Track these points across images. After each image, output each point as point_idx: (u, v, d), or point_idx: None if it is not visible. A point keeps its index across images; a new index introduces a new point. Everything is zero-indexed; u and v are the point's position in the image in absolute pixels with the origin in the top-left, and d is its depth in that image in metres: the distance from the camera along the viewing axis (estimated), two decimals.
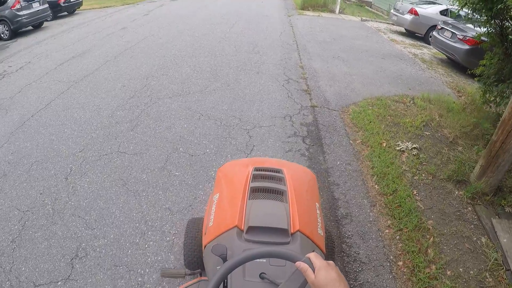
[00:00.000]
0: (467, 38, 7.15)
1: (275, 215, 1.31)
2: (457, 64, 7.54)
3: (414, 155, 3.72)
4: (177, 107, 4.33)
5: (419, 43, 9.64)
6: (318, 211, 1.52)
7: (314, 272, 0.76)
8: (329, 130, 4.00)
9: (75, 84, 5.09)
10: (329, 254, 1.74)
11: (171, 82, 5.09)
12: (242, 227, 1.28)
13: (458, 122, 4.43)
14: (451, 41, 7.53)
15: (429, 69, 7.07)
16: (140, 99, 4.55)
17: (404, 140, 3.95)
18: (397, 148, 3.79)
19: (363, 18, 11.94)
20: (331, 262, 0.79)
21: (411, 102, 5.04)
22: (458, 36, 7.33)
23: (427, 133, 4.20)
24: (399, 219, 2.81)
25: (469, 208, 3.07)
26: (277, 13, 12.03)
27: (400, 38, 9.85)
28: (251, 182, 1.51)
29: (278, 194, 1.46)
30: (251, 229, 1.25)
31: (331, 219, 2.80)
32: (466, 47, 7.11)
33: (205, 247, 1.39)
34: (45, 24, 10.26)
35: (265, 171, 1.61)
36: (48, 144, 3.56)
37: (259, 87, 5.05)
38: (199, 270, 1.69)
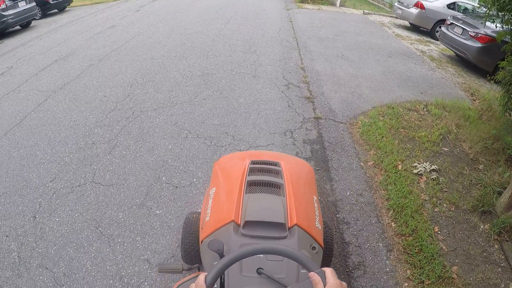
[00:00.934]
0: (480, 35, 6.51)
1: (272, 209, 1.26)
2: (467, 62, 6.92)
3: (433, 179, 3.17)
4: (161, 122, 3.74)
5: (425, 38, 8.96)
6: (315, 204, 1.48)
7: (324, 287, 0.73)
8: (336, 150, 3.42)
9: (54, 94, 4.48)
10: (328, 248, 1.68)
11: (157, 90, 4.47)
12: (239, 222, 1.24)
13: (477, 134, 3.88)
14: (462, 38, 6.87)
15: (439, 68, 6.46)
16: (122, 112, 3.95)
17: (421, 160, 3.40)
18: (415, 171, 3.23)
19: (366, 11, 11.18)
20: (344, 283, 0.76)
21: (425, 109, 4.47)
22: (469, 33, 6.67)
23: (445, 149, 3.65)
24: (420, 268, 2.29)
25: (496, 246, 2.54)
26: (275, 6, 11.25)
27: (405, 33, 9.17)
28: (248, 175, 1.46)
29: (275, 188, 1.41)
30: (248, 224, 1.21)
31: (340, 270, 2.28)
32: (479, 45, 6.47)
33: (202, 242, 1.34)
34: (34, 23, 9.59)
35: (262, 164, 1.56)
36: (18, 171, 3.00)
37: (256, 95, 4.44)
38: (197, 265, 1.59)
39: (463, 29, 6.93)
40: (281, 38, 7.15)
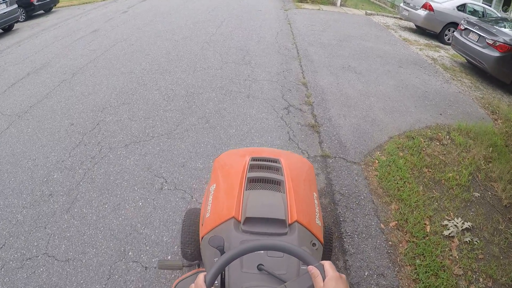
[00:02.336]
0: (498, 43, 5.67)
1: (272, 205, 1.23)
2: (481, 70, 6.10)
3: (467, 242, 2.41)
4: (132, 166, 2.88)
5: (433, 42, 8.10)
6: (315, 201, 1.42)
7: (323, 281, 0.70)
8: (350, 205, 2.58)
9: (18, 119, 3.61)
10: (327, 244, 1.63)
11: (131, 117, 3.60)
12: (239, 218, 1.20)
13: (508, 169, 3.15)
14: (478, 45, 6.02)
15: (453, 79, 5.63)
16: (87, 149, 3.10)
17: (451, 214, 2.63)
18: (445, 233, 2.47)
19: (368, 11, 10.23)
20: (343, 275, 0.73)
21: (448, 137, 3.66)
22: (487, 40, 5.82)
23: (477, 195, 2.87)
24: None
25: None
26: (272, 6, 10.24)
27: (412, 36, 8.27)
28: (248, 172, 1.41)
29: (275, 184, 1.36)
30: (248, 220, 1.18)
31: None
32: (497, 54, 5.62)
33: (202, 238, 1.28)
34: (17, 25, 8.72)
35: (262, 161, 1.50)
36: None
37: (250, 123, 3.57)
38: (197, 261, 1.54)
39: (479, 35, 6.07)
40: (279, 45, 6.25)
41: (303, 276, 0.75)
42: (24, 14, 9.70)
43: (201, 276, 0.76)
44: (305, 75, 4.87)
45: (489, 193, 2.99)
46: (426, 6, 8.15)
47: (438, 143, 3.60)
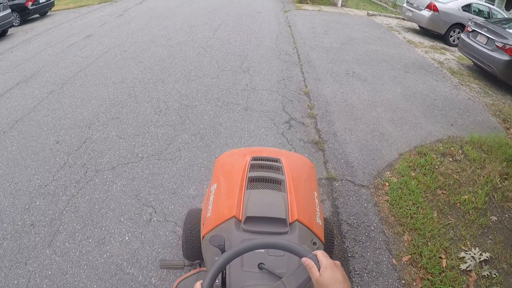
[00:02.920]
0: (508, 46, 5.35)
1: (273, 204, 1.21)
2: (488, 74, 5.80)
3: (485, 277, 2.13)
4: (119, 192, 2.58)
5: (438, 44, 7.77)
6: (316, 200, 1.41)
7: (319, 270, 0.70)
8: (359, 237, 2.29)
9: (3, 135, 3.34)
10: (328, 243, 1.62)
11: (120, 134, 3.30)
12: (240, 217, 1.19)
13: None
14: (486, 48, 5.69)
15: (462, 85, 5.32)
16: (72, 172, 2.81)
17: (467, 243, 2.35)
18: (462, 267, 2.18)
19: (370, 12, 9.88)
20: (337, 262, 0.72)
21: (461, 152, 3.37)
22: (496, 43, 5.49)
23: (494, 219, 2.60)
24: None
25: None
26: (271, 8, 9.91)
27: (416, 38, 7.94)
28: (249, 171, 1.40)
29: (276, 184, 1.35)
30: (249, 219, 1.17)
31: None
32: (507, 58, 5.30)
33: (203, 237, 1.27)
34: (12, 30, 8.54)
35: (263, 160, 1.49)
36: None
37: (248, 140, 3.26)
38: (198, 261, 1.49)
39: (488, 38, 5.74)
40: (279, 49, 5.94)
41: (299, 269, 0.74)
42: (18, 19, 9.50)
43: (197, 285, 0.76)
44: (307, 83, 4.56)
45: (507, 215, 2.70)
46: (430, 7, 7.82)
47: (451, 159, 3.31)
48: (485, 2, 11.90)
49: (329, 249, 1.65)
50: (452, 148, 3.48)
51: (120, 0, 11.25)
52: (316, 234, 1.24)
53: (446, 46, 7.72)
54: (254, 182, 1.36)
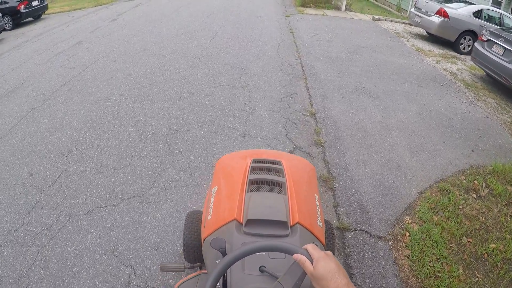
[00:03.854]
0: None
1: (274, 207, 1.18)
2: (502, 85, 5.29)
3: None
4: (94, 246, 2.09)
5: (448, 52, 7.23)
6: (317, 203, 1.37)
7: (312, 264, 0.68)
8: None
9: None
10: (329, 246, 1.61)
11: (99, 168, 2.79)
12: (241, 220, 1.16)
13: None
14: (504, 60, 5.15)
15: (477, 99, 4.80)
16: (44, 215, 2.34)
17: None
18: None
19: (375, 17, 9.32)
20: (329, 252, 0.71)
21: (484, 185, 2.88)
22: None
23: None
24: None
25: None
26: (272, 12, 9.35)
27: (425, 45, 7.39)
28: (250, 174, 1.36)
29: (277, 186, 1.31)
30: (250, 222, 1.13)
31: None
32: None
33: (204, 240, 1.25)
34: (2, 35, 8.09)
35: (264, 163, 1.45)
36: None
37: None
38: (199, 263, 1.52)
39: (505, 48, 5.21)
40: (281, 60, 5.42)
41: (292, 266, 0.72)
42: (11, 23, 9.02)
43: None
44: (313, 101, 4.04)
45: None
46: (440, 13, 7.27)
47: (475, 196, 2.82)
48: (491, 5, 11.40)
49: (330, 251, 1.38)
50: (475, 182, 2.99)
51: (116, 3, 10.71)
52: (317, 236, 1.22)
53: (457, 55, 7.19)
54: (255, 184, 1.32)
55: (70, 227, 2.26)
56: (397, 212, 2.54)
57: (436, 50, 7.16)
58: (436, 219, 2.53)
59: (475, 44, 6.03)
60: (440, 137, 3.62)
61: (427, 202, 2.68)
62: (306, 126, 3.46)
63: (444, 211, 2.62)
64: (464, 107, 4.51)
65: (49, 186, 2.64)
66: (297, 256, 0.70)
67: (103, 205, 2.43)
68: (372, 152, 3.16)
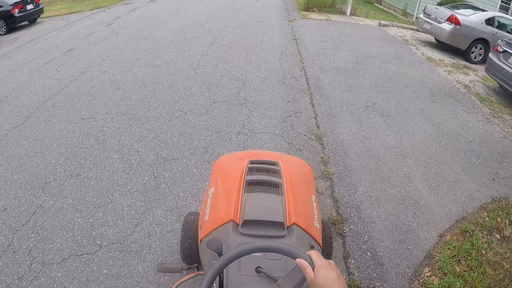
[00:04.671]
0: None
1: (270, 208, 1.17)
2: None
3: None
4: None
5: (459, 61, 6.80)
6: (314, 204, 1.37)
7: (313, 270, 0.67)
8: None
9: None
10: (326, 247, 1.58)
11: (76, 204, 2.39)
12: (238, 221, 1.15)
13: None
14: None
15: (494, 116, 4.40)
16: (16, 260, 2.00)
17: None
18: None
19: (382, 22, 8.88)
20: (331, 261, 0.70)
21: (508, 223, 2.50)
22: None
23: None
24: None
25: None
26: (275, 17, 8.92)
27: (435, 54, 6.96)
28: (247, 175, 1.35)
29: (273, 187, 1.31)
30: (247, 223, 1.12)
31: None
32: None
33: (201, 241, 1.24)
34: None
35: (261, 164, 1.45)
36: None
37: None
38: (196, 264, 1.46)
39: None
40: (284, 71, 4.99)
41: (293, 270, 0.71)
42: (5, 27, 8.68)
43: None
44: (319, 121, 3.62)
45: None
46: (451, 20, 6.84)
47: (498, 236, 2.44)
48: (497, 11, 10.95)
49: (327, 253, 1.62)
50: (499, 219, 2.61)
51: (114, 6, 10.33)
52: (314, 237, 1.20)
53: (468, 64, 6.76)
54: (251, 185, 1.31)
55: (43, 279, 1.90)
56: (415, 262, 2.14)
57: (447, 59, 6.74)
58: (458, 269, 2.15)
59: (490, 55, 5.61)
60: (459, 164, 3.21)
61: (448, 249, 2.29)
62: (312, 153, 3.05)
63: (467, 258, 2.24)
64: (481, 125, 4.10)
65: (23, 225, 2.27)
66: (299, 261, 0.70)
67: (79, 253, 2.05)
68: (387, 185, 2.76)
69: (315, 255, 0.70)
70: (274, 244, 0.75)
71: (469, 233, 2.47)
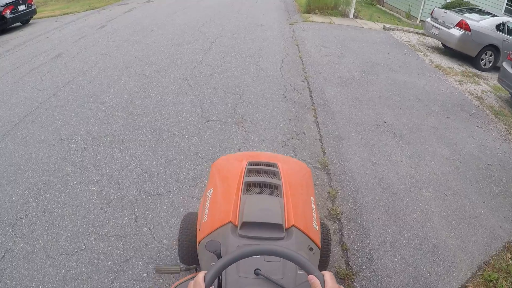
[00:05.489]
0: None
1: (269, 210, 1.16)
2: None
3: None
4: None
5: (468, 69, 6.40)
6: (313, 206, 1.36)
7: None
8: None
9: None
10: (325, 249, 1.53)
11: (48, 250, 2.00)
12: (237, 223, 1.14)
13: None
14: None
15: (509, 133, 4.02)
16: None
17: None
18: None
19: (386, 26, 8.42)
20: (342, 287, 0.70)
21: None
22: None
23: None
24: None
25: None
26: (275, 19, 8.46)
27: (444, 61, 6.54)
28: (246, 176, 1.34)
29: (272, 189, 1.29)
30: (246, 225, 1.11)
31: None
32: None
33: (199, 243, 1.23)
34: None
35: (260, 165, 1.42)
36: None
37: None
38: (194, 265, 1.43)
39: None
40: (286, 82, 4.56)
41: (303, 284, 0.73)
42: None
43: (200, 275, 0.71)
44: (325, 144, 3.20)
45: None
46: (461, 25, 6.41)
47: None
48: (503, 13, 10.52)
49: (326, 255, 1.55)
50: None
51: (109, 7, 9.84)
52: (313, 239, 1.18)
53: (478, 72, 6.36)
54: (250, 187, 1.28)
55: None
56: None
57: (456, 67, 6.33)
58: None
59: (503, 64, 5.21)
60: (479, 195, 2.83)
61: None
62: (318, 185, 2.64)
63: None
64: (498, 145, 3.72)
65: None
66: (312, 278, 0.69)
67: None
68: (403, 226, 2.37)
69: (329, 277, 0.69)
70: (294, 255, 0.74)
71: (493, 282, 2.10)
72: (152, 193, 2.46)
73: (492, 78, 6.22)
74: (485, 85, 5.78)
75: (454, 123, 4.02)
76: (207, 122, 3.40)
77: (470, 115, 4.37)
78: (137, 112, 3.54)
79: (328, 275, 0.68)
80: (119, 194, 2.45)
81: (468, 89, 5.28)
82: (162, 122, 3.35)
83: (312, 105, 3.96)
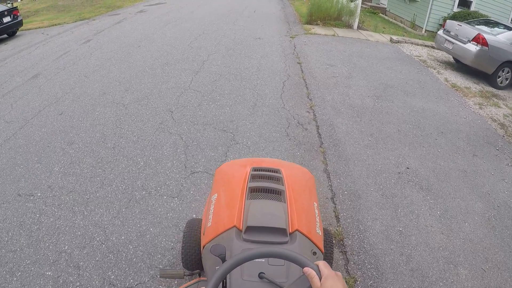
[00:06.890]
0: None
1: (273, 214, 1.17)
2: None
3: None
4: None
5: (485, 87, 5.81)
6: (316, 211, 1.36)
7: (320, 280, 0.67)
8: None
9: None
10: (328, 253, 1.57)
11: None
12: (241, 227, 1.15)
13: None
14: None
15: None
16: None
17: None
18: None
19: (393, 38, 7.84)
20: (339, 273, 0.70)
21: None
22: None
23: None
24: None
25: None
26: (275, 31, 7.86)
27: (459, 79, 5.93)
28: (249, 182, 1.35)
29: (276, 194, 1.30)
30: (250, 229, 1.12)
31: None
32: None
33: (203, 247, 1.23)
34: None
35: (263, 171, 1.44)
36: None
37: None
38: (198, 270, 1.48)
39: None
40: (287, 113, 3.91)
41: (300, 278, 0.72)
42: None
43: None
44: (339, 205, 2.54)
45: None
46: (478, 40, 5.82)
47: None
48: (510, 22, 9.98)
49: (329, 259, 1.57)
50: None
51: (99, 18, 9.25)
52: (316, 244, 1.19)
53: (495, 91, 5.77)
54: (254, 192, 1.29)
55: None
56: None
57: (473, 86, 5.73)
58: None
59: None
60: None
61: None
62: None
63: None
64: None
65: None
66: (307, 269, 0.69)
67: None
68: None
69: (323, 265, 0.69)
70: (282, 251, 0.74)
71: None
72: (119, 285, 1.83)
73: (511, 98, 5.66)
74: (505, 107, 5.19)
75: (482, 163, 3.40)
76: (192, 174, 2.75)
77: (497, 149, 3.76)
78: (108, 159, 2.90)
79: (322, 264, 0.69)
80: (78, 284, 1.83)
81: (489, 114, 4.68)
82: (136, 175, 2.70)
83: (320, 146, 3.31)
